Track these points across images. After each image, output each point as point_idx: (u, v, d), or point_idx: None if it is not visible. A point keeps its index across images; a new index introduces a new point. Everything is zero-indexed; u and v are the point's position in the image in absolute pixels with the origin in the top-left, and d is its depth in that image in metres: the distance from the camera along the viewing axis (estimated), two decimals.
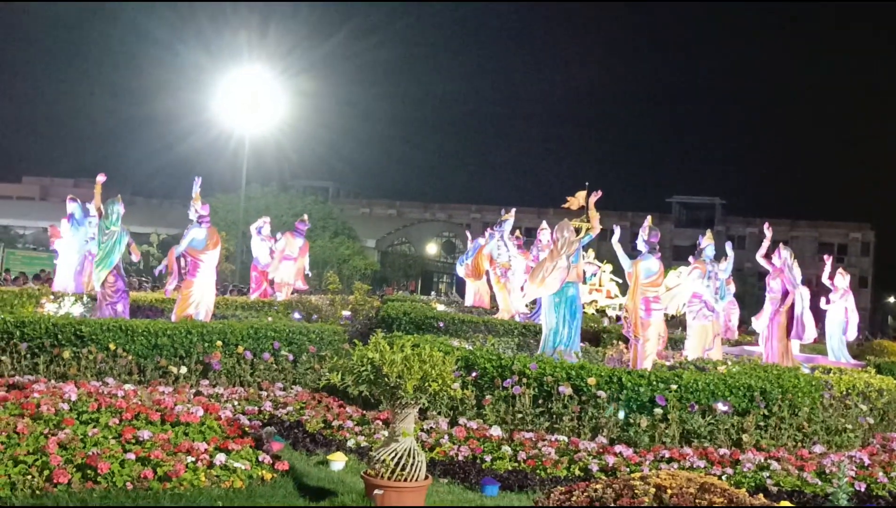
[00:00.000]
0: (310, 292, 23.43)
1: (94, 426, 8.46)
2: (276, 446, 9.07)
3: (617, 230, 14.47)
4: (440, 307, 20.96)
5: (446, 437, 10.06)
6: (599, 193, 14.26)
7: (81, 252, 18.65)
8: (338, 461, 9.26)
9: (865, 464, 10.37)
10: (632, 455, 9.81)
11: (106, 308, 14.40)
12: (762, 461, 9.95)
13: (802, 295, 15.33)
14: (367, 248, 55.93)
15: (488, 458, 9.55)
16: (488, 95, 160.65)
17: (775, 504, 7.17)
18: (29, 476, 7.50)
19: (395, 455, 7.70)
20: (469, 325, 17.79)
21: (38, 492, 7.38)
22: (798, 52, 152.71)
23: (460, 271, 22.30)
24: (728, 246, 16.61)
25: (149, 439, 8.28)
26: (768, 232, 16.15)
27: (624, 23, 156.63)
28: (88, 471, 7.66)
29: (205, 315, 14.28)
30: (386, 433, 9.76)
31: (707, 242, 15.31)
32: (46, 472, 7.55)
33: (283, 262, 21.89)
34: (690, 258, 15.88)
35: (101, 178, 15.64)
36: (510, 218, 20.69)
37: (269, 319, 15.12)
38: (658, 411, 10.55)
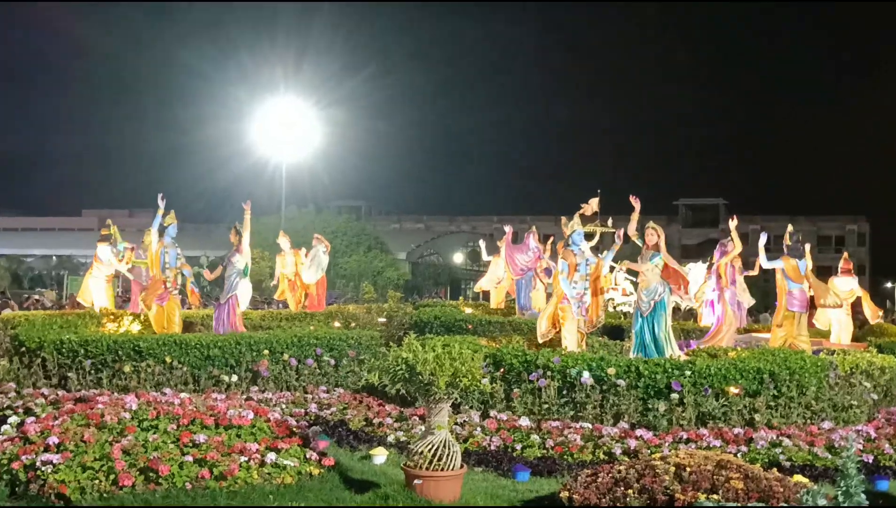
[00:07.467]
0: (348, 302, 23.44)
1: (154, 432, 8.47)
2: (322, 444, 9.06)
3: (763, 237, 15.21)
4: (468, 310, 20.94)
5: (479, 429, 10.01)
6: (637, 200, 13.22)
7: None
8: (379, 455, 9.23)
9: (872, 437, 10.22)
10: (652, 438, 9.72)
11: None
12: (774, 438, 9.82)
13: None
14: (399, 260, 55.90)
15: (519, 447, 9.50)
16: (503, 115, 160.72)
17: (788, 478, 7.07)
18: (97, 481, 7.52)
19: (432, 446, 7.67)
20: (496, 325, 17.75)
21: (105, 495, 7.41)
22: (791, 48, 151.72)
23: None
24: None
25: (204, 442, 8.28)
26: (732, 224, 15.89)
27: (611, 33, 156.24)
28: (150, 474, 7.67)
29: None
30: (423, 427, 9.75)
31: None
32: (112, 476, 7.57)
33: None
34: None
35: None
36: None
37: (312, 328, 15.16)
38: (674, 396, 10.46)
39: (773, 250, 16.34)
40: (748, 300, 18.70)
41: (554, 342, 12.92)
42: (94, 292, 19.11)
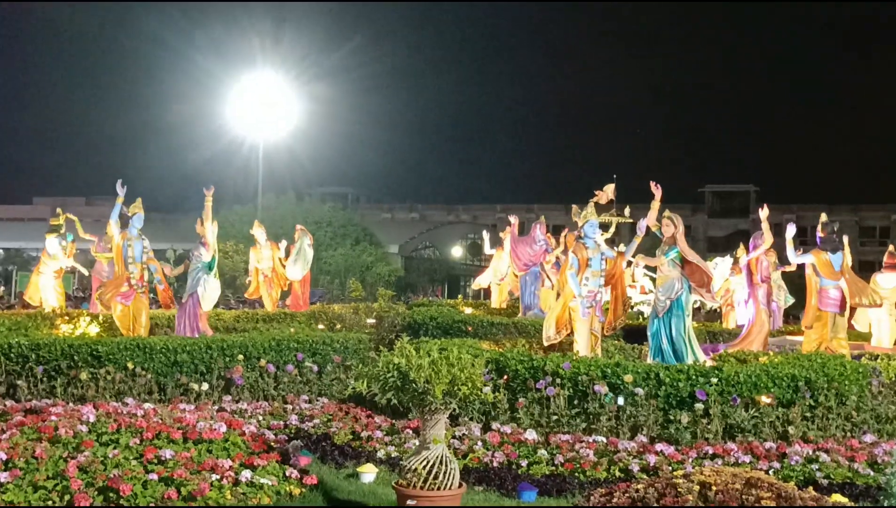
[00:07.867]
0: (333, 301, 23.47)
1: (115, 448, 8.49)
2: (304, 460, 9.07)
3: (791, 227, 15.16)
4: (468, 310, 20.97)
5: (479, 443, 10.03)
6: (658, 187, 13.23)
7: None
8: (368, 472, 9.24)
9: None
10: (673, 453, 9.74)
11: None
12: (810, 453, 9.85)
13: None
14: (390, 254, 55.99)
15: (524, 463, 9.51)
16: (507, 94, 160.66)
17: (826, 498, 7.10)
18: (49, 502, 7.52)
19: (427, 463, 7.67)
20: (499, 327, 17.76)
21: None
22: (831, 35, 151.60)
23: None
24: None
25: (171, 458, 8.30)
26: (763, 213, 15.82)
27: (634, 17, 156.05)
28: (110, 494, 7.66)
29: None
30: (417, 442, 9.76)
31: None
32: (67, 497, 7.57)
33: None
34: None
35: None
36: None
37: (292, 330, 15.16)
38: (699, 406, 10.48)
39: (811, 244, 16.35)
40: (785, 299, 18.72)
41: (564, 346, 12.95)
42: (43, 289, 19.15)
